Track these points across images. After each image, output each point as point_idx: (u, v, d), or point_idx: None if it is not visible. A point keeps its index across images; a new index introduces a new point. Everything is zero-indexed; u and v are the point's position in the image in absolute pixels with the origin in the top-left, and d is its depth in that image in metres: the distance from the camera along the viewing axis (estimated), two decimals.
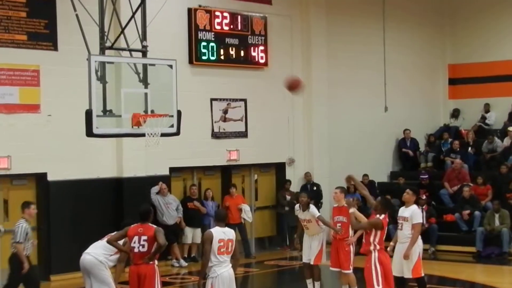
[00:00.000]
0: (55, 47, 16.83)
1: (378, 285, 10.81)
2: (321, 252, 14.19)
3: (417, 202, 13.91)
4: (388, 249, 12.70)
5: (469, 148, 23.20)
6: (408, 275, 12.85)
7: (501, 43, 24.56)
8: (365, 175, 22.04)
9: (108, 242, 11.38)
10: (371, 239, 11.20)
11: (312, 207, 14.28)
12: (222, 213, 11.24)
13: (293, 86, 14.30)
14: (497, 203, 19.72)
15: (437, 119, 25.47)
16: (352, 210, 12.06)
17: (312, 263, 14.20)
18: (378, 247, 11.31)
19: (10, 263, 13.06)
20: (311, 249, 14.21)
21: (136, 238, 10.77)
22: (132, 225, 10.99)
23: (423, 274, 12.97)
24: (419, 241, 12.99)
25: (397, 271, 12.83)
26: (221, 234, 10.31)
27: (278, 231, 21.21)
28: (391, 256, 12.72)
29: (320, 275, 14.35)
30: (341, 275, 13.67)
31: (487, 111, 24.61)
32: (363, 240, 11.52)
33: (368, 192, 13.35)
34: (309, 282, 14.36)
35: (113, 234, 11.72)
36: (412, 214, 12.92)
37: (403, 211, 13.10)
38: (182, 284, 16.63)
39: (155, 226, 11.05)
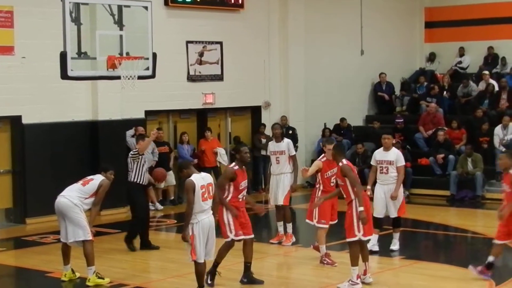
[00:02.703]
0: None
1: (359, 231, 10.88)
2: (289, 192, 14.29)
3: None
4: (368, 193, 12.79)
5: (444, 92, 23.28)
6: (394, 214, 13.22)
7: None
8: (344, 119, 22.29)
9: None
10: (349, 188, 11.14)
11: (289, 142, 14.37)
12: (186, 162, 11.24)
13: (158, 178, 14.84)
14: (469, 147, 19.87)
15: (413, 63, 25.58)
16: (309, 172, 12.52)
17: (281, 203, 14.26)
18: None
19: None
20: (279, 189, 14.23)
21: None
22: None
23: None
24: None
25: (378, 213, 13.03)
26: (201, 180, 10.31)
27: (254, 175, 21.30)
28: (372, 199, 12.89)
29: (290, 216, 14.48)
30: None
31: (461, 55, 24.71)
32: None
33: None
34: (279, 224, 14.48)
35: (92, 177, 11.89)
36: (396, 157, 13.22)
37: (385, 155, 13.27)
38: (157, 226, 16.68)
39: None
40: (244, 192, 11.27)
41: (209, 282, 10.92)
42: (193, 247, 10.23)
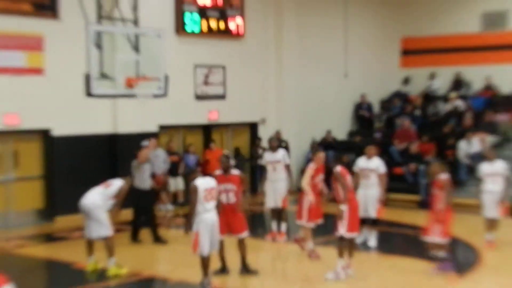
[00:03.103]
0: (56, 16, 16.68)
1: (343, 229, 11.02)
2: (287, 196, 14.37)
3: None
4: None
5: (417, 111, 23.38)
6: (373, 215, 13.40)
7: (446, 19, 24.51)
8: (329, 131, 22.38)
9: None
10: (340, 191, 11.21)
11: (284, 152, 14.49)
12: (195, 172, 11.27)
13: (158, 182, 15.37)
14: (438, 159, 19.87)
15: (390, 86, 25.54)
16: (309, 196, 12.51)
17: (278, 207, 14.36)
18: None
19: None
20: (277, 193, 14.28)
21: None
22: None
23: None
24: None
25: (361, 211, 13.18)
26: (205, 184, 10.45)
27: (252, 180, 21.40)
28: None
29: (286, 217, 14.54)
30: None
31: (432, 79, 24.78)
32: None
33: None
34: (273, 222, 14.53)
35: (113, 181, 12.07)
36: (378, 165, 13.45)
37: (367, 163, 13.42)
38: (168, 224, 16.78)
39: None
40: (228, 194, 11.26)
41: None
42: (197, 242, 10.35)
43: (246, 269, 11.40)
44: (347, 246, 11.16)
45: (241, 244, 11.37)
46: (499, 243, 13.57)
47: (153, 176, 15.24)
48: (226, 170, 11.32)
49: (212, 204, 10.47)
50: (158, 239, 14.27)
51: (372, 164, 13.44)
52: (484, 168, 13.93)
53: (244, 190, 11.53)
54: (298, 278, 11.77)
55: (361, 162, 13.57)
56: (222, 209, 11.01)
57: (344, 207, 10.95)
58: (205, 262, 10.51)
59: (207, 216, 10.36)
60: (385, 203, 13.90)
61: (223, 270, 11.35)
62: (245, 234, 11.41)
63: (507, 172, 13.89)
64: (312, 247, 12.68)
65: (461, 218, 17.68)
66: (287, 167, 14.47)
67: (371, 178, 13.38)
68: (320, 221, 12.85)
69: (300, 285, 11.24)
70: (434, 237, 11.38)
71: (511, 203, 14.63)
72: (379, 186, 13.44)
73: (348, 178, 11.32)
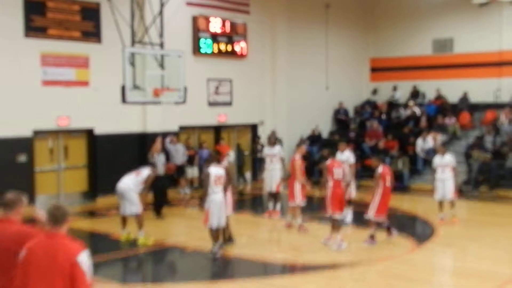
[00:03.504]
0: (100, 41, 16.65)
1: (331, 209, 10.97)
2: (280, 183, 14.29)
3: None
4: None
5: (383, 115, 23.35)
6: (347, 197, 13.07)
7: (405, 44, 24.51)
8: (315, 127, 22.47)
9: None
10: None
11: (280, 147, 14.45)
12: (213, 156, 11.20)
13: (169, 169, 14.94)
14: (399, 153, 19.95)
15: (362, 95, 25.57)
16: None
17: (274, 191, 14.30)
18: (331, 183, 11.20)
19: None
20: (273, 180, 14.21)
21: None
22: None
23: None
24: None
25: None
26: (215, 171, 10.39)
27: (253, 169, 21.34)
28: None
29: (280, 198, 14.49)
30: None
31: (395, 90, 24.78)
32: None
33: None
34: (270, 203, 14.50)
35: (143, 170, 11.98)
36: (349, 156, 13.32)
37: (340, 156, 13.25)
38: (186, 204, 16.72)
39: None
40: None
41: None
42: (207, 217, 10.31)
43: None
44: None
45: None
46: (449, 220, 13.47)
47: (180, 166, 15.15)
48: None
49: (220, 188, 10.38)
50: (159, 214, 14.18)
51: (343, 157, 13.27)
52: (437, 160, 13.82)
53: (229, 179, 11.27)
54: (289, 247, 11.68)
55: (338, 156, 13.40)
56: None
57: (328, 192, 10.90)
58: (213, 234, 10.45)
59: (215, 196, 10.31)
60: (356, 187, 13.74)
61: (230, 240, 11.22)
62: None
63: (454, 164, 13.80)
64: (301, 222, 12.58)
65: (419, 200, 17.76)
66: (282, 159, 14.39)
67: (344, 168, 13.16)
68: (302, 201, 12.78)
69: (291, 253, 11.15)
70: (366, 215, 11.24)
71: (459, 188, 14.53)
72: (350, 174, 13.23)
73: (336, 170, 11.13)
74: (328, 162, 11.14)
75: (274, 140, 14.73)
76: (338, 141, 13.65)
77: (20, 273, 4.47)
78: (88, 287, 4.45)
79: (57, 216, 4.51)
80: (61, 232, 4.54)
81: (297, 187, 12.55)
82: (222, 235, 11.01)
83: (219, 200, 10.35)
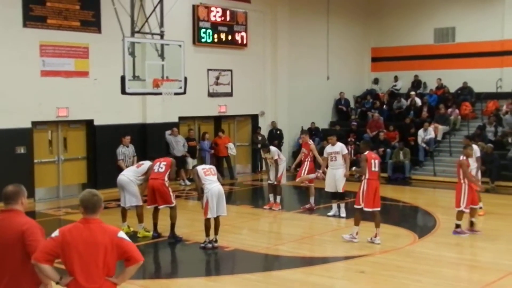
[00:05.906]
0: (99, 31, 16.55)
1: (363, 202, 10.81)
2: (281, 176, 14.25)
3: (346, 143, 14.04)
4: (321, 175, 13.62)
5: (384, 106, 23.28)
6: (340, 190, 13.07)
7: (406, 34, 24.42)
8: (312, 122, 22.22)
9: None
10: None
11: (273, 150, 14.25)
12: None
13: None
14: (401, 144, 19.92)
15: (363, 85, 25.52)
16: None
17: (275, 183, 14.27)
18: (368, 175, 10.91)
19: None
20: (274, 174, 14.19)
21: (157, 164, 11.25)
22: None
23: None
24: None
25: (330, 188, 13.04)
26: (203, 166, 10.63)
27: (253, 161, 21.30)
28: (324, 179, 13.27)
29: (281, 191, 14.46)
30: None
31: (396, 80, 24.70)
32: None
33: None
34: (271, 195, 14.46)
35: (143, 162, 11.97)
36: (341, 148, 13.07)
37: (333, 148, 13.07)
38: (186, 196, 16.69)
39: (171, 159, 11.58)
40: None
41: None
42: (207, 209, 10.26)
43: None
44: (373, 219, 10.86)
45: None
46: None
47: (183, 158, 14.97)
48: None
49: (213, 178, 10.37)
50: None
51: (336, 148, 13.10)
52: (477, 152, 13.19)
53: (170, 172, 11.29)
54: (290, 238, 11.65)
55: (328, 148, 13.22)
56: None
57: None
58: (207, 224, 10.46)
59: (212, 186, 10.29)
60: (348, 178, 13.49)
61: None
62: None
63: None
64: (312, 203, 13.34)
65: (420, 192, 17.76)
66: (276, 161, 14.22)
67: (338, 159, 13.03)
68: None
69: (291, 244, 11.12)
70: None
71: None
72: (344, 165, 13.03)
73: (374, 162, 10.78)
74: (366, 153, 10.88)
75: (267, 149, 14.24)
76: (329, 135, 13.49)
77: (62, 255, 4.58)
78: (140, 254, 4.69)
79: (93, 203, 4.73)
80: (96, 218, 4.71)
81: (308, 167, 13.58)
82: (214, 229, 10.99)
83: (216, 190, 10.29)
